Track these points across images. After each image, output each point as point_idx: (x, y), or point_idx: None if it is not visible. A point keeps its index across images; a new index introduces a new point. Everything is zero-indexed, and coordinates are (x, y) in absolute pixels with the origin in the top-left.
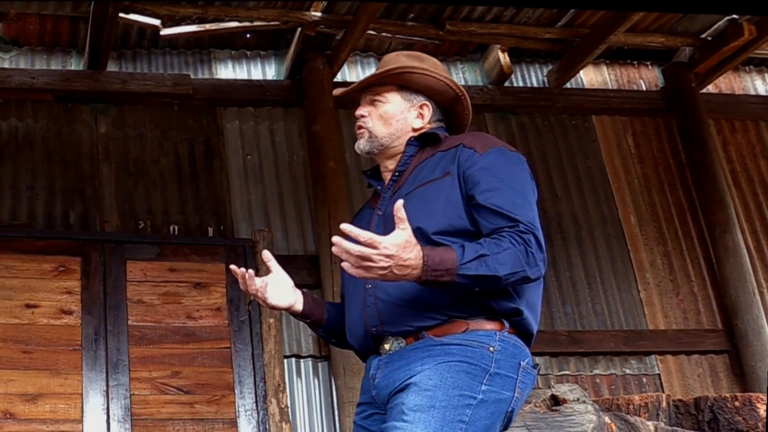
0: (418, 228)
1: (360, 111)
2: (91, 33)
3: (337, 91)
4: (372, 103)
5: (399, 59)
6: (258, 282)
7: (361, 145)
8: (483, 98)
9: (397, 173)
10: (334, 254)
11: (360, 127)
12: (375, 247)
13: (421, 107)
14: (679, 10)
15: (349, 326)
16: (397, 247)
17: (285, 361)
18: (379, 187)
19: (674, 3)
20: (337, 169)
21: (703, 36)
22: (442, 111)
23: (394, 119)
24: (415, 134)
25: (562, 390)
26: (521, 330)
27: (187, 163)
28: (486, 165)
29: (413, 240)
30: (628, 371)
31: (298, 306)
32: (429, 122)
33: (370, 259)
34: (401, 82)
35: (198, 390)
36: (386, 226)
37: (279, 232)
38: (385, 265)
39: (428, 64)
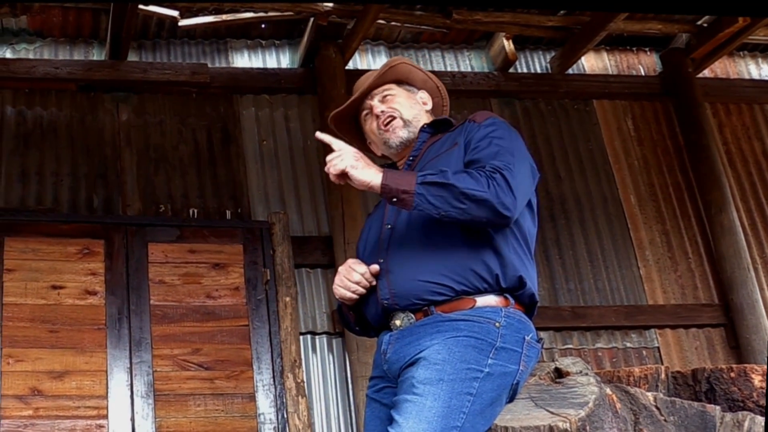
0: None
1: (378, 109)
2: (112, 24)
3: (332, 117)
4: (383, 100)
5: (374, 72)
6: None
7: (399, 132)
8: (489, 84)
9: (411, 158)
10: (347, 235)
11: (390, 119)
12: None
13: (421, 95)
14: (672, 11)
15: (367, 301)
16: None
17: (301, 337)
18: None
19: (670, 4)
20: None
21: (699, 23)
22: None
23: (412, 102)
24: (428, 121)
25: (566, 363)
26: (525, 302)
27: (206, 149)
28: (481, 130)
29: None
30: (628, 345)
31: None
32: (431, 108)
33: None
34: (399, 76)
35: (218, 366)
36: (400, 209)
37: (294, 214)
38: (341, 157)
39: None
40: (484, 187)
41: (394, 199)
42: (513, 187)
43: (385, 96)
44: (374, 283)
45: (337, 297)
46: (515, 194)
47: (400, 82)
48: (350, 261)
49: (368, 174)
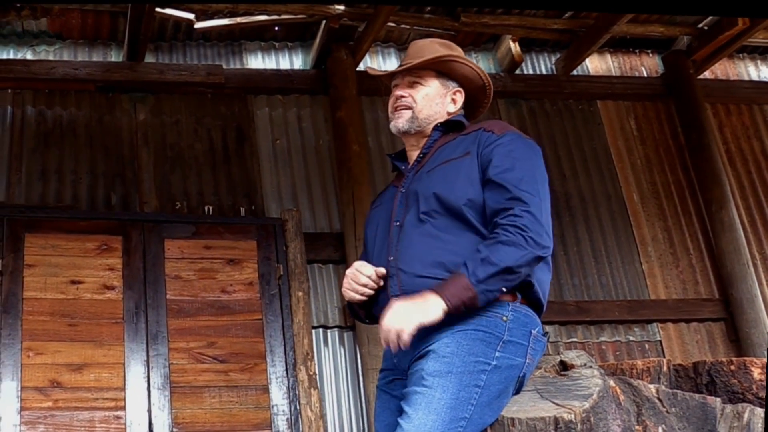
0: (435, 194)
1: (401, 91)
2: (130, 27)
3: (373, 71)
4: (411, 85)
5: (434, 47)
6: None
7: (400, 123)
8: (495, 85)
9: (421, 155)
10: (358, 232)
11: (400, 107)
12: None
13: (454, 93)
14: (677, 12)
15: (376, 295)
16: (394, 306)
17: (313, 331)
18: (403, 168)
19: (674, 5)
20: (361, 153)
21: (700, 25)
22: (466, 98)
23: (434, 102)
24: (441, 120)
25: (570, 356)
26: (532, 302)
27: (221, 148)
28: (501, 145)
29: (408, 299)
30: (631, 338)
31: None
32: (460, 108)
33: (384, 324)
34: (442, 68)
35: (232, 359)
36: (408, 202)
37: (306, 212)
38: (396, 312)
39: (460, 53)
40: (524, 248)
41: (463, 309)
42: (544, 222)
43: (415, 83)
44: (381, 284)
45: (346, 299)
46: (547, 227)
47: (441, 73)
48: (357, 264)
49: (432, 310)
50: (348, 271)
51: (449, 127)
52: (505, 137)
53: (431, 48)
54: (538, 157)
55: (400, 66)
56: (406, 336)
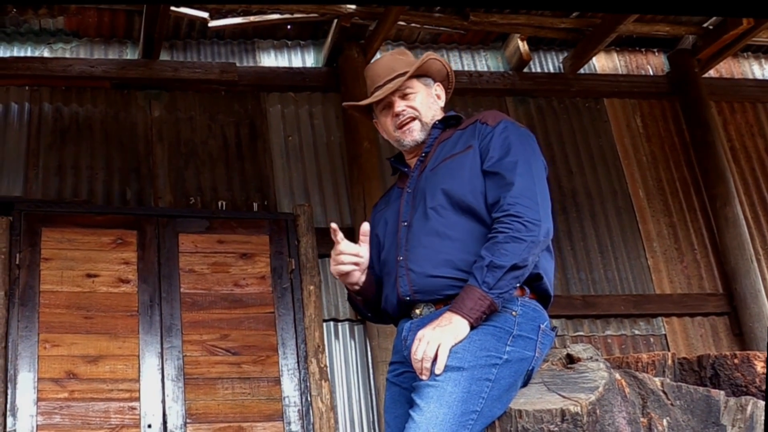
0: (443, 190)
1: (398, 107)
2: (145, 25)
3: (349, 106)
4: (403, 97)
5: (401, 58)
6: (352, 248)
7: (416, 135)
8: (504, 83)
9: (423, 154)
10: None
11: (409, 120)
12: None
13: (436, 89)
14: (680, 12)
15: (385, 295)
16: (421, 335)
17: (324, 324)
18: (406, 169)
19: (678, 5)
20: (371, 149)
21: (706, 25)
22: None
23: (429, 102)
24: (439, 118)
25: (577, 349)
26: (541, 294)
27: (234, 144)
28: (495, 135)
29: (431, 323)
30: (636, 332)
31: (360, 281)
32: (444, 101)
33: (417, 354)
34: (421, 72)
35: (245, 351)
36: (415, 201)
37: (318, 207)
38: (426, 340)
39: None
40: (524, 239)
41: (485, 317)
42: (540, 203)
43: (406, 94)
44: (361, 254)
45: (335, 276)
46: (544, 208)
47: (419, 76)
48: (337, 246)
49: (460, 331)
50: (332, 252)
51: (446, 123)
52: (498, 127)
53: (399, 60)
54: (532, 142)
55: (380, 89)
56: (442, 364)
